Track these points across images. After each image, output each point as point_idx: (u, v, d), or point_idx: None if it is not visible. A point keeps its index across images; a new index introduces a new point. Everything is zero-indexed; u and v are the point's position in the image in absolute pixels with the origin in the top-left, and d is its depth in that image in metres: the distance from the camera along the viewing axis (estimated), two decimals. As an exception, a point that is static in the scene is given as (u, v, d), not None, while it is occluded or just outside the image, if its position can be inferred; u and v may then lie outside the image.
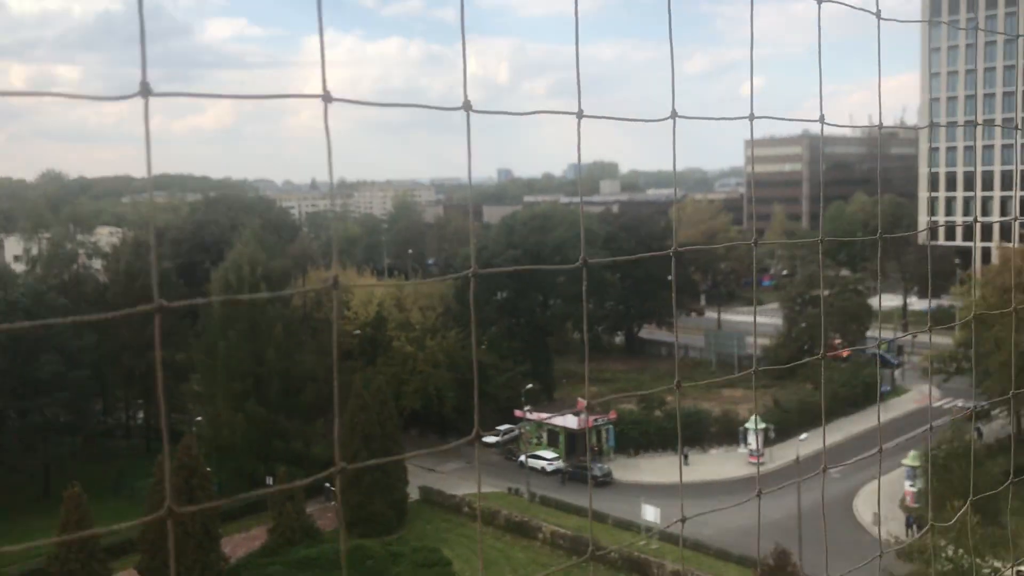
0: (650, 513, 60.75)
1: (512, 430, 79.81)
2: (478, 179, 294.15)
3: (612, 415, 78.14)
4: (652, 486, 68.45)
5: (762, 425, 73.38)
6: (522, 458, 75.07)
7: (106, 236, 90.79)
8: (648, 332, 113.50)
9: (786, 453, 71.81)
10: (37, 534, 57.18)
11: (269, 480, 64.56)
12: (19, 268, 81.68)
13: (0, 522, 62.48)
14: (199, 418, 71.69)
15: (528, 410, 77.47)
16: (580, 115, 3.07)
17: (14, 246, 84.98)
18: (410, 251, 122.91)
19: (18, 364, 66.04)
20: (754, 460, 71.80)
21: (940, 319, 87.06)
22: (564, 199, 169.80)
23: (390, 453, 64.74)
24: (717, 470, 71.52)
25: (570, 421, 76.02)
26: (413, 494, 68.41)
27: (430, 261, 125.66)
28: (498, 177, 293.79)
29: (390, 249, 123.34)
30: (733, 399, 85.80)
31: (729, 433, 78.01)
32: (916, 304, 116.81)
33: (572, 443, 76.05)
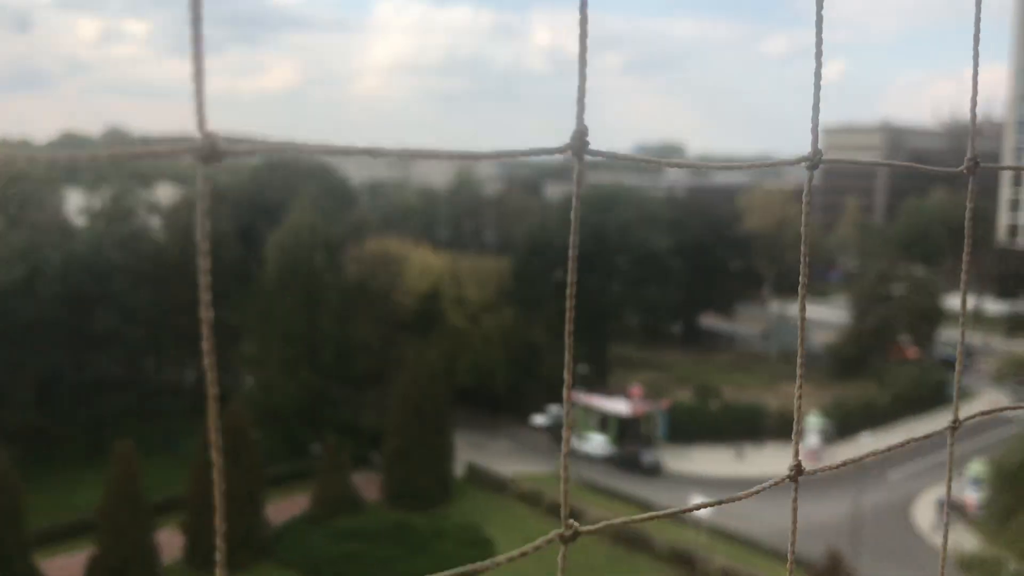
0: (700, 506, 59.11)
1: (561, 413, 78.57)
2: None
3: (665, 403, 76.34)
4: (703, 478, 66.73)
5: (821, 424, 71.08)
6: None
7: (168, 194, 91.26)
8: (709, 321, 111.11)
9: (845, 453, 69.45)
10: (87, 487, 57.47)
11: (317, 447, 64.24)
12: (81, 222, 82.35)
13: (52, 474, 63.13)
14: (249, 380, 71.65)
15: (580, 393, 76.06)
16: None
17: (77, 199, 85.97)
18: (468, 225, 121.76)
19: (76, 318, 66.46)
20: (814, 457, 69.57)
21: (1018, 323, 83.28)
22: (629, 179, 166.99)
23: (440, 427, 63.97)
24: (773, 465, 69.46)
25: (622, 407, 74.44)
26: (459, 470, 67.64)
27: (488, 237, 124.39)
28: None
29: (448, 222, 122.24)
30: (792, 394, 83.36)
31: (787, 429, 75.65)
32: (992, 307, 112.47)
33: (623, 430, 74.51)
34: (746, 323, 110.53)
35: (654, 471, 69.98)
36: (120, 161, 1.34)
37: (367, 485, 63.91)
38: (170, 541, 53.42)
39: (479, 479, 67.94)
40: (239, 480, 52.66)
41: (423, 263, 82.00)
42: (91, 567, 51.31)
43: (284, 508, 59.99)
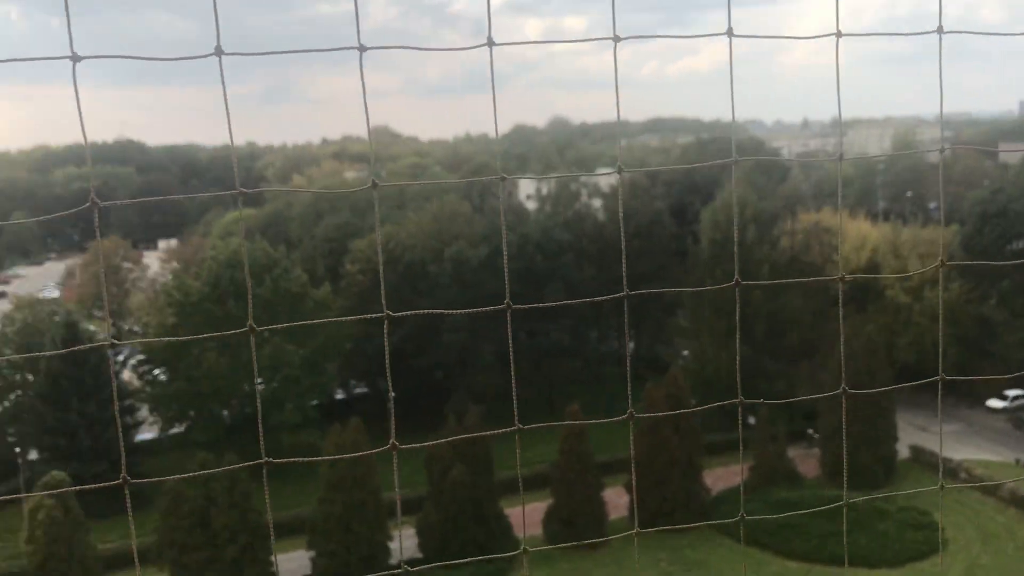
0: None
1: (1021, 396, 71.20)
2: (994, 112, 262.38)
3: None
4: None
5: None
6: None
7: (607, 178, 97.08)
8: None
9: None
10: (541, 444, 63.61)
11: (751, 420, 64.97)
12: (531, 206, 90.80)
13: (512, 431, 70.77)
14: (685, 352, 74.19)
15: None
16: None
17: (526, 186, 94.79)
18: (909, 193, 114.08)
19: (530, 292, 73.60)
20: None
21: None
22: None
23: (879, 406, 61.45)
24: None
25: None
26: (903, 452, 64.42)
27: (932, 206, 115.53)
28: (1019, 110, 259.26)
29: (886, 191, 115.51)
30: None
31: None
32: None
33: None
34: None
35: None
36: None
37: (804, 460, 63.36)
38: (616, 499, 57.53)
39: (925, 462, 64.14)
40: (679, 445, 55.24)
41: (859, 235, 78.77)
42: (547, 516, 57.10)
43: (721, 476, 61.63)
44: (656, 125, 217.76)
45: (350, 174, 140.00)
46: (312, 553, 52.78)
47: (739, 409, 4.30)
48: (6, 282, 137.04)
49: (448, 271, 74.02)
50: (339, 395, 77.17)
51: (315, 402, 69.84)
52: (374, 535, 52.46)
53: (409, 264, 75.41)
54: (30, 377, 66.68)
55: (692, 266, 74.89)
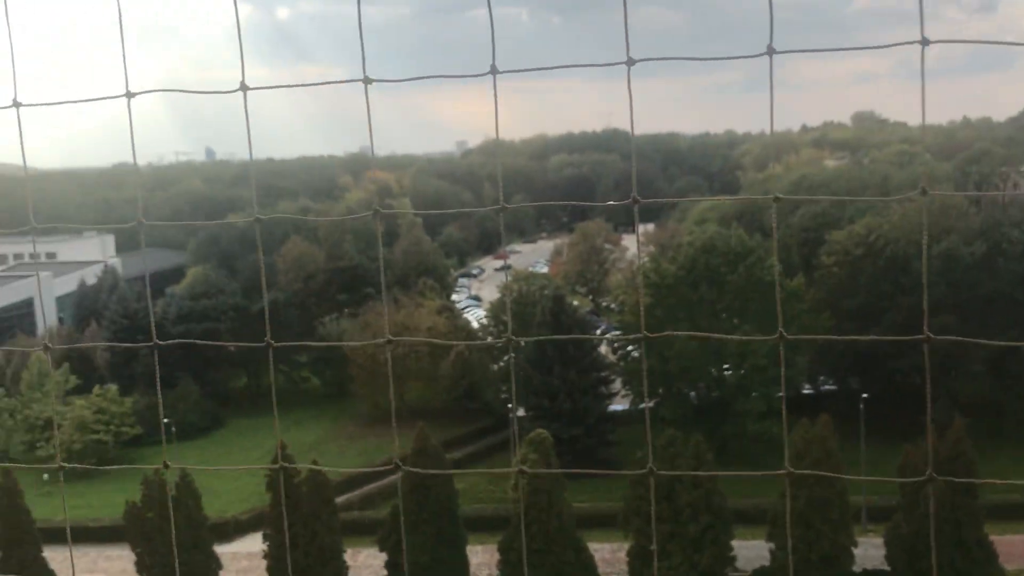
0: None
1: None
2: None
3: None
4: None
5: None
6: None
7: None
8: None
9: None
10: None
11: None
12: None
13: (1001, 448, 63.37)
14: None
15: None
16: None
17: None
18: None
19: None
20: None
21: None
22: None
23: None
24: None
25: None
26: None
27: None
28: None
29: None
30: None
31: None
32: None
33: None
34: None
35: None
36: None
37: None
38: None
39: None
40: None
41: None
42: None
43: None
44: None
45: (830, 162, 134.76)
46: (771, 545, 52.21)
47: None
48: (505, 257, 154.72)
49: (936, 267, 68.09)
50: (806, 389, 75.13)
51: (780, 393, 68.72)
52: (837, 535, 50.37)
53: (891, 258, 70.77)
54: (522, 342, 74.28)
55: None
